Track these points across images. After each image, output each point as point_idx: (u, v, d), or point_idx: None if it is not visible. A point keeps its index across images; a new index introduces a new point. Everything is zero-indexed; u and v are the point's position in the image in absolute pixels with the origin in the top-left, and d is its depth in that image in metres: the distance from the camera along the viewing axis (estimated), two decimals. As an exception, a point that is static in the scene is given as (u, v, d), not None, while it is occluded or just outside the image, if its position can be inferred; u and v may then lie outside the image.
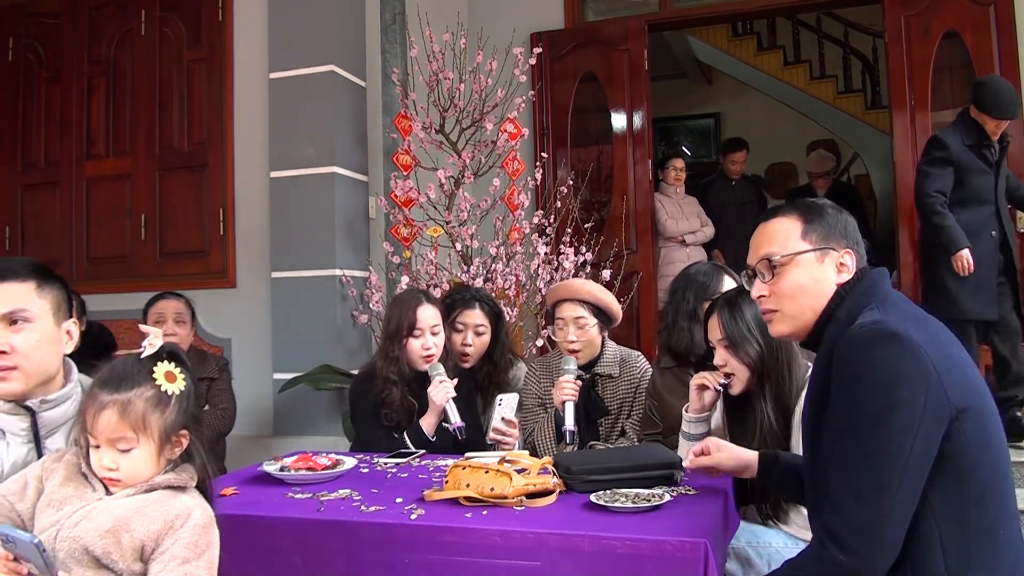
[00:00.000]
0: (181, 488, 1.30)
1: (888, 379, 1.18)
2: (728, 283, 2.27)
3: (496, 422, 2.27)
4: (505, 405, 2.28)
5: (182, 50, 4.19)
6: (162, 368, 1.30)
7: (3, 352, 1.38)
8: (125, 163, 4.28)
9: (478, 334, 2.52)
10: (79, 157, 4.37)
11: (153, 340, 1.32)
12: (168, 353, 1.33)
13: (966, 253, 3.23)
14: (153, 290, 3.30)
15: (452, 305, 2.51)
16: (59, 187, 4.40)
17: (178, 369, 1.32)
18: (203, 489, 1.34)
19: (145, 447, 1.27)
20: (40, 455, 1.42)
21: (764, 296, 1.42)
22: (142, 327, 1.38)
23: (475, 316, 2.51)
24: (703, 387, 1.94)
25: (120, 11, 4.32)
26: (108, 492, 1.28)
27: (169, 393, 1.29)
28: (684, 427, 2.00)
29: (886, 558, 1.19)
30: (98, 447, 1.27)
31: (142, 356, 1.31)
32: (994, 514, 1.22)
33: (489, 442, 2.32)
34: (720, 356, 1.88)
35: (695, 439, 1.97)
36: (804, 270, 1.38)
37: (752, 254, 1.46)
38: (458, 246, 3.66)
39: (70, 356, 1.51)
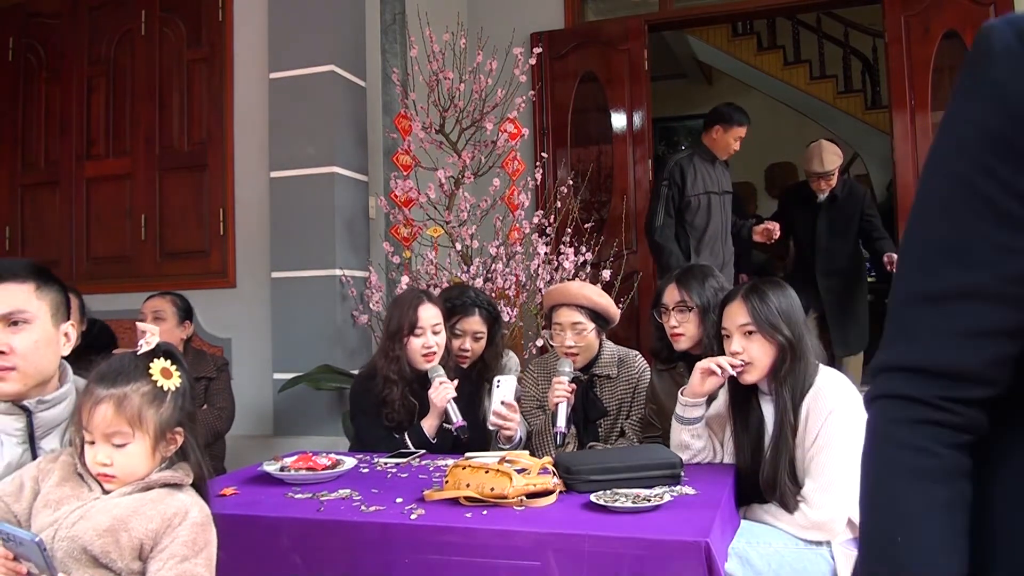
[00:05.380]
0: (177, 486, 1.30)
1: None
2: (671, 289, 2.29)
3: (496, 406, 2.25)
4: (504, 387, 2.27)
5: (182, 50, 4.19)
6: (158, 364, 1.31)
7: (2, 352, 1.38)
8: (125, 163, 4.28)
9: (476, 339, 2.54)
10: (79, 157, 4.37)
11: (150, 338, 1.33)
12: (164, 351, 1.34)
13: None
14: (153, 290, 3.30)
15: (451, 310, 2.51)
16: (59, 187, 4.40)
17: (174, 367, 1.33)
18: (199, 487, 1.34)
19: (140, 442, 1.27)
20: (34, 456, 1.42)
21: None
22: (139, 325, 1.41)
23: (474, 323, 2.52)
24: (710, 372, 1.90)
25: (120, 11, 4.32)
26: (104, 491, 1.28)
27: (165, 389, 1.30)
28: (678, 409, 2.00)
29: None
30: (93, 443, 1.27)
31: (139, 353, 1.32)
32: None
33: (491, 427, 2.31)
34: (738, 344, 1.86)
35: (688, 423, 1.98)
36: None
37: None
38: (458, 246, 3.66)
39: (72, 354, 1.52)
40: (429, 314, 2.33)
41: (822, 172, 4.08)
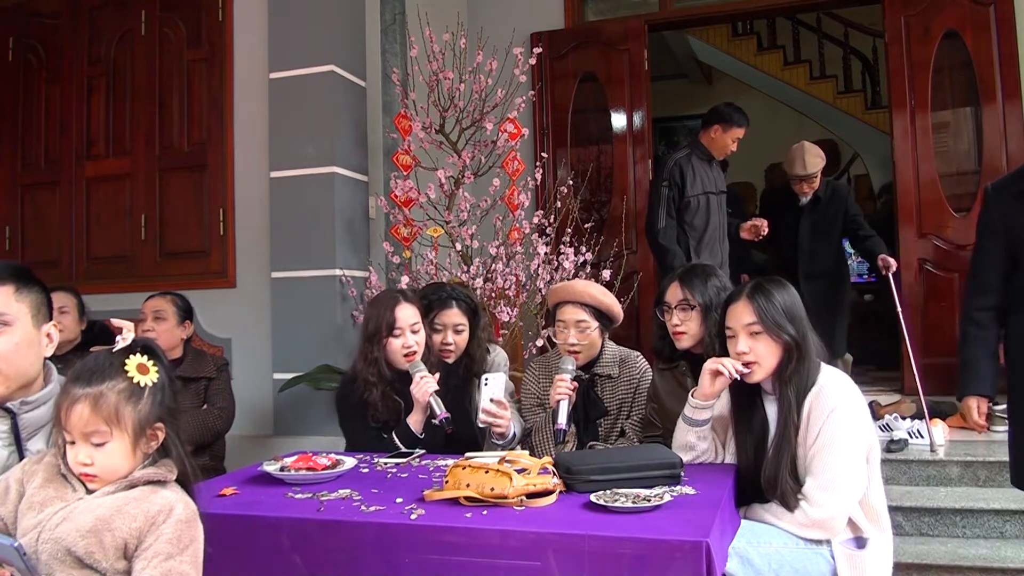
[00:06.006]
0: (162, 483, 1.29)
1: None
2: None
3: (485, 403, 2.25)
4: (492, 385, 2.26)
5: (182, 50, 4.19)
6: (134, 361, 1.29)
7: None
8: (125, 163, 4.28)
9: (457, 332, 2.52)
10: (79, 157, 4.37)
11: (126, 334, 1.33)
12: (143, 347, 1.33)
13: (974, 404, 2.12)
14: (153, 290, 3.29)
15: (429, 306, 2.51)
16: (59, 187, 4.40)
17: (151, 362, 1.31)
18: (184, 483, 1.33)
19: (119, 440, 1.26)
20: (21, 458, 1.41)
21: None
22: (115, 321, 1.39)
23: (453, 315, 2.51)
24: (717, 373, 1.89)
25: (120, 11, 4.32)
26: (88, 491, 1.27)
27: (142, 385, 1.29)
28: (687, 411, 1.99)
29: None
30: (73, 443, 1.26)
31: (115, 350, 1.31)
32: None
33: (481, 425, 2.30)
34: (744, 343, 1.85)
35: (696, 424, 1.97)
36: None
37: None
38: (458, 246, 3.66)
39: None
40: (407, 314, 2.32)
41: (804, 175, 4.03)
